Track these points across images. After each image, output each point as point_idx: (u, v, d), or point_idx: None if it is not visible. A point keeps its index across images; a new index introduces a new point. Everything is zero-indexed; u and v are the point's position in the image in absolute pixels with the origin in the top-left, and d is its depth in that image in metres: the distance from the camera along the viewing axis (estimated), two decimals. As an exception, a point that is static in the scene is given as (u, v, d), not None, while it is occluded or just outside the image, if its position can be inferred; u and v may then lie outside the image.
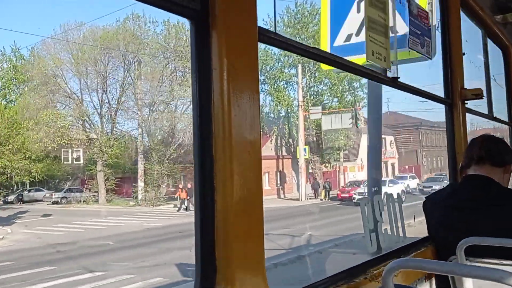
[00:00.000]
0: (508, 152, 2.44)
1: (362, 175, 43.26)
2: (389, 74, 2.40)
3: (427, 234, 2.51)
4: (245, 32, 1.43)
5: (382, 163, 52.09)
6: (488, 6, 4.00)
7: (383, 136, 52.46)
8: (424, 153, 61.10)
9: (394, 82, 2.44)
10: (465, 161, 2.45)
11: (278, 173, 40.87)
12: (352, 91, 41.41)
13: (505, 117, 4.96)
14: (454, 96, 3.12)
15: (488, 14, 4.09)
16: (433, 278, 2.36)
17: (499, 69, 5.06)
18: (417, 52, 2.73)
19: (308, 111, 39.56)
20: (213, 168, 1.33)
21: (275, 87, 40.37)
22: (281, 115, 41.99)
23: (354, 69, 2.20)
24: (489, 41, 4.62)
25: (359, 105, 37.60)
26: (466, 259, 2.08)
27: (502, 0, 4.08)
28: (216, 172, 1.33)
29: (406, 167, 53.72)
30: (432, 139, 64.34)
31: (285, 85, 41.55)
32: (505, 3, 4.13)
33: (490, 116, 4.26)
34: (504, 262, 2.07)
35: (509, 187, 2.48)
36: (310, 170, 40.56)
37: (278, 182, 40.74)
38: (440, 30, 3.19)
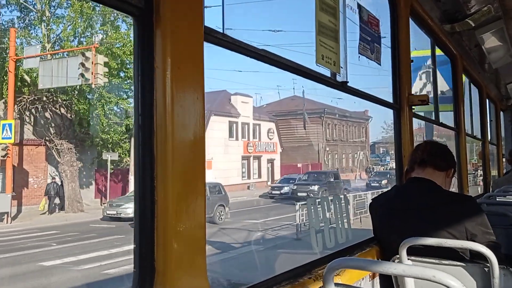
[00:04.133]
0: (450, 157, 2.56)
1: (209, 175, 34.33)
2: (338, 78, 2.45)
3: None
4: (190, 31, 1.41)
5: (252, 158, 39.28)
6: (437, 15, 4.15)
7: (257, 122, 39.66)
8: (328, 149, 48.71)
9: (343, 86, 2.50)
10: (410, 164, 2.55)
11: (15, 170, 21.74)
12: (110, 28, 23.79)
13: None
14: (402, 102, 3.23)
15: (437, 23, 4.25)
16: (377, 278, 2.43)
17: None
18: (366, 57, 2.81)
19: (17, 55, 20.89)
20: (154, 168, 1.31)
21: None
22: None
23: (304, 73, 2.22)
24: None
25: (96, 43, 21.66)
26: (408, 259, 2.16)
27: (450, 11, 4.26)
28: (157, 172, 1.31)
29: (299, 165, 41.12)
30: (342, 132, 51.73)
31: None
32: (453, 13, 4.30)
33: (436, 121, 4.44)
34: (444, 261, 2.17)
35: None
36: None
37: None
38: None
